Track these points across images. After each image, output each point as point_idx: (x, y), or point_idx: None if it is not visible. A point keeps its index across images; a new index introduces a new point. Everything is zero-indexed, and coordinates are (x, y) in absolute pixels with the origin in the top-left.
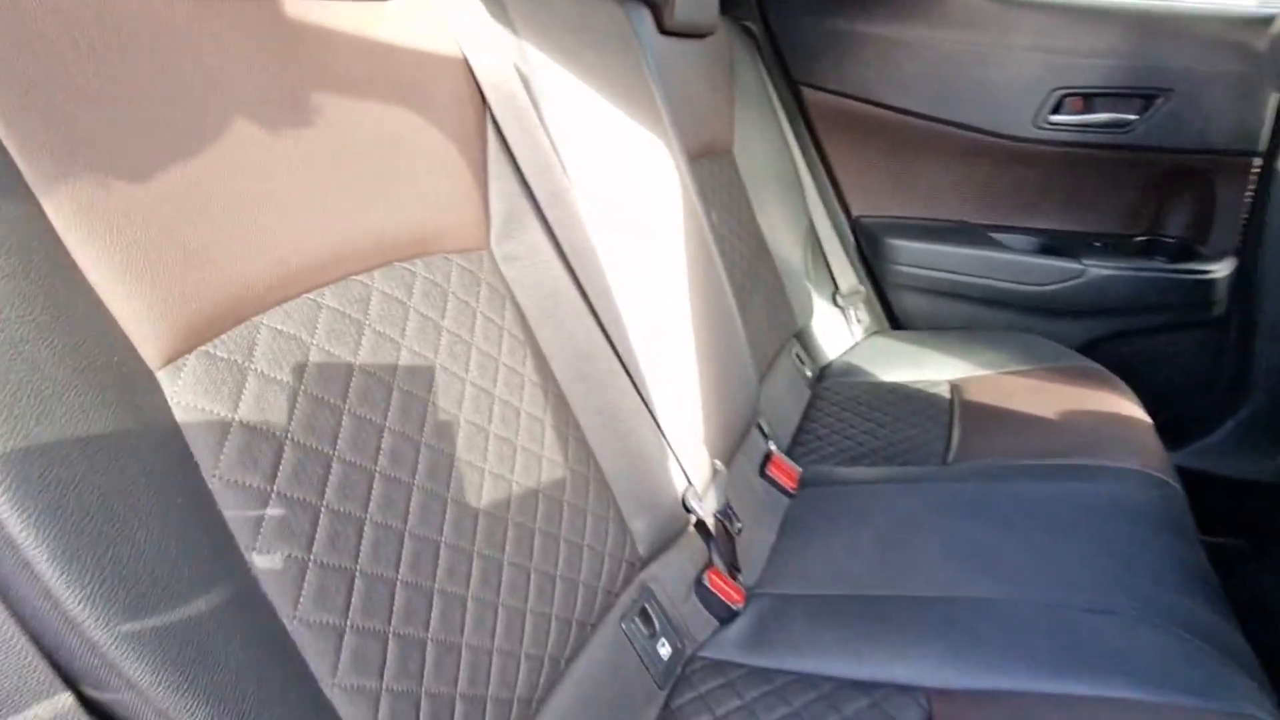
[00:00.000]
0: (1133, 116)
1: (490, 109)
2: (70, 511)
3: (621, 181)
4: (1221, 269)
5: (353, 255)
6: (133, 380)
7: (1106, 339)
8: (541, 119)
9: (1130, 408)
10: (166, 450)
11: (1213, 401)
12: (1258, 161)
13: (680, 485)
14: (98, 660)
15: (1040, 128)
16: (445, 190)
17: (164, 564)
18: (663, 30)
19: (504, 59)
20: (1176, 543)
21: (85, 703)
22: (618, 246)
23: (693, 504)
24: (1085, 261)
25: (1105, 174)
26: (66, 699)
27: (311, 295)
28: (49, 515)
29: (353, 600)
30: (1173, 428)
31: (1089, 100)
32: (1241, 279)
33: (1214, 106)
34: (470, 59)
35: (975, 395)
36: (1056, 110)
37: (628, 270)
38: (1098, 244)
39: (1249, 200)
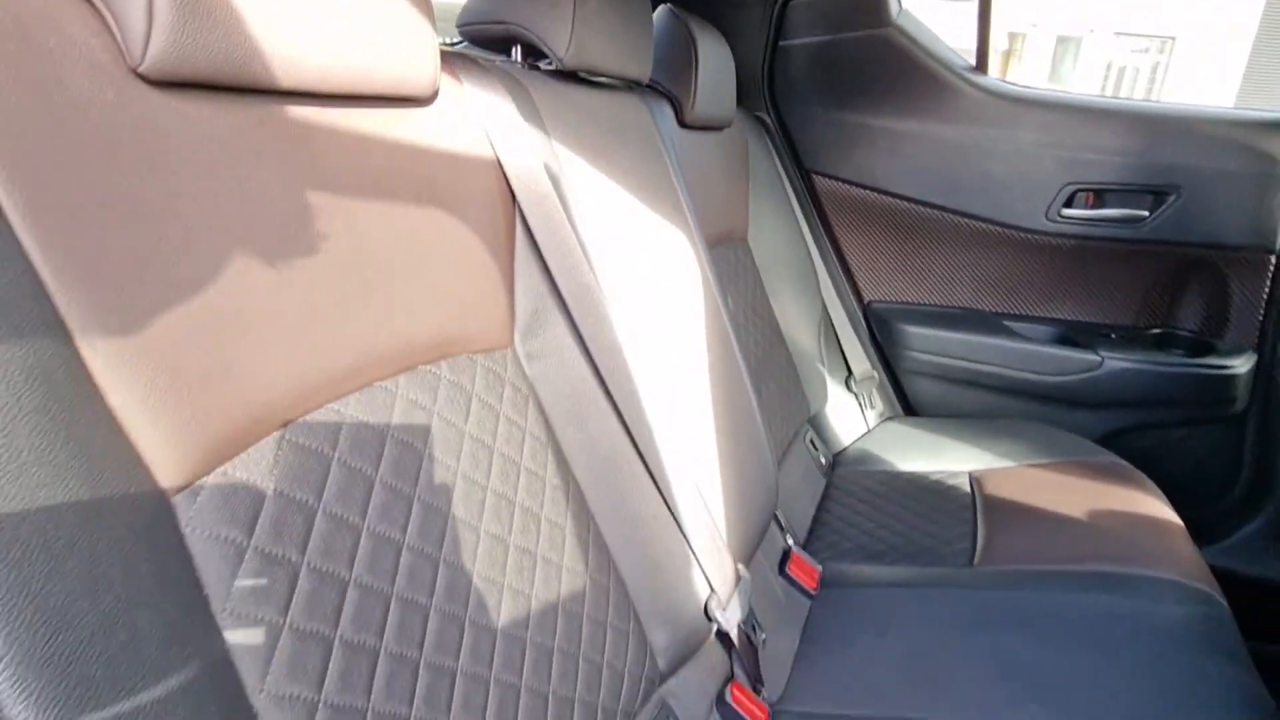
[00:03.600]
0: (1144, 212)
1: (520, 207)
2: (74, 684)
3: (646, 276)
4: (1240, 365)
5: (377, 361)
6: (146, 511)
7: (1125, 432)
8: (569, 216)
9: (1161, 509)
10: (178, 587)
11: (1236, 499)
12: (1274, 258)
13: (703, 593)
14: None
15: (1053, 221)
16: (471, 289)
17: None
18: (682, 124)
19: (534, 158)
20: (1226, 665)
21: None
22: (641, 342)
23: (715, 613)
24: (1102, 353)
25: (1119, 267)
26: None
27: (335, 405)
28: (52, 691)
29: None
30: (1194, 524)
31: (1100, 195)
32: (1260, 375)
33: (1226, 204)
34: (502, 158)
35: (997, 489)
36: (1069, 204)
37: (651, 366)
38: (1113, 336)
39: (1267, 295)
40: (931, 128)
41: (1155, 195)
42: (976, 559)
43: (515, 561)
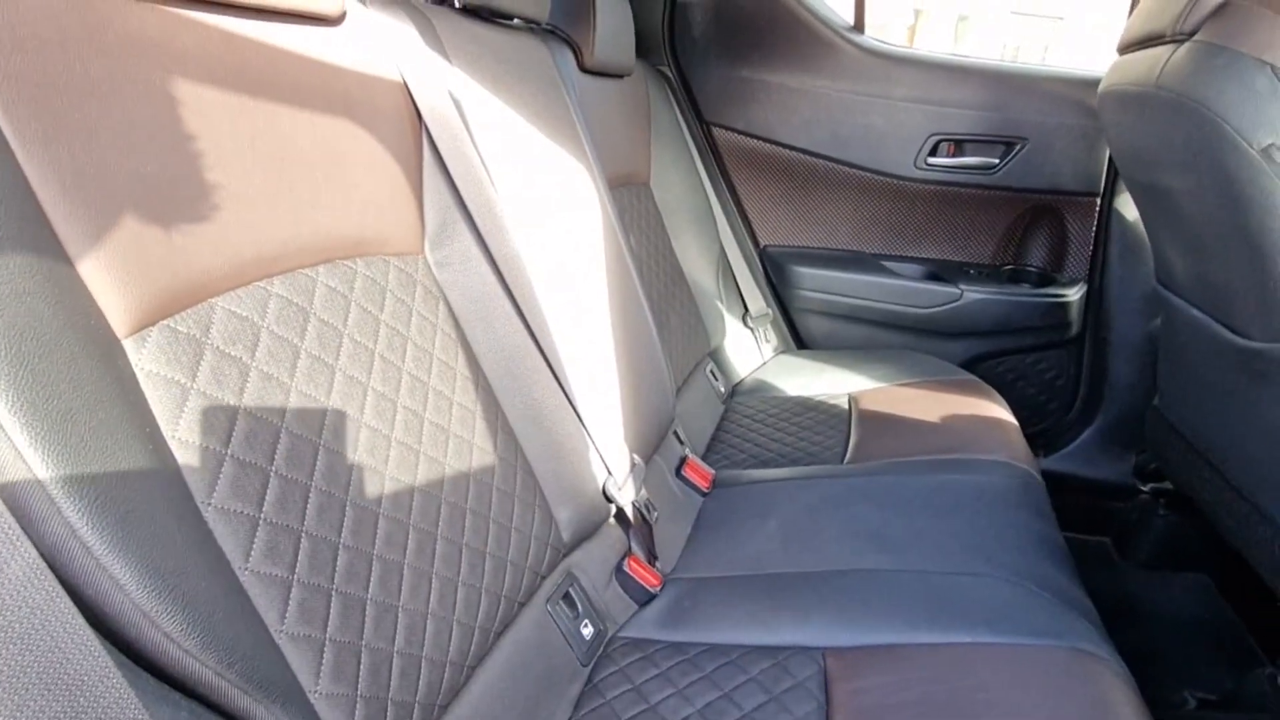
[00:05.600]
0: (996, 160)
1: (426, 127)
2: (69, 437)
3: (547, 199)
4: (1074, 294)
5: (300, 250)
6: (104, 342)
7: (984, 357)
8: (473, 139)
9: (1000, 412)
10: (135, 408)
11: (1075, 412)
12: (1099, 202)
13: (601, 476)
14: (92, 563)
15: (920, 169)
16: (384, 198)
17: (146, 494)
18: (583, 68)
19: (439, 84)
20: (1032, 519)
21: (82, 607)
22: (543, 257)
23: (613, 493)
24: (962, 287)
25: (976, 210)
26: (63, 601)
27: (262, 283)
28: (52, 438)
29: (299, 558)
30: (1043, 436)
31: (960, 145)
32: (1091, 303)
33: (1061, 154)
34: (408, 82)
35: (870, 405)
36: (934, 153)
37: (552, 280)
38: (972, 271)
39: (1094, 235)
40: (817, 83)
41: (1005, 145)
42: (848, 457)
43: (430, 434)
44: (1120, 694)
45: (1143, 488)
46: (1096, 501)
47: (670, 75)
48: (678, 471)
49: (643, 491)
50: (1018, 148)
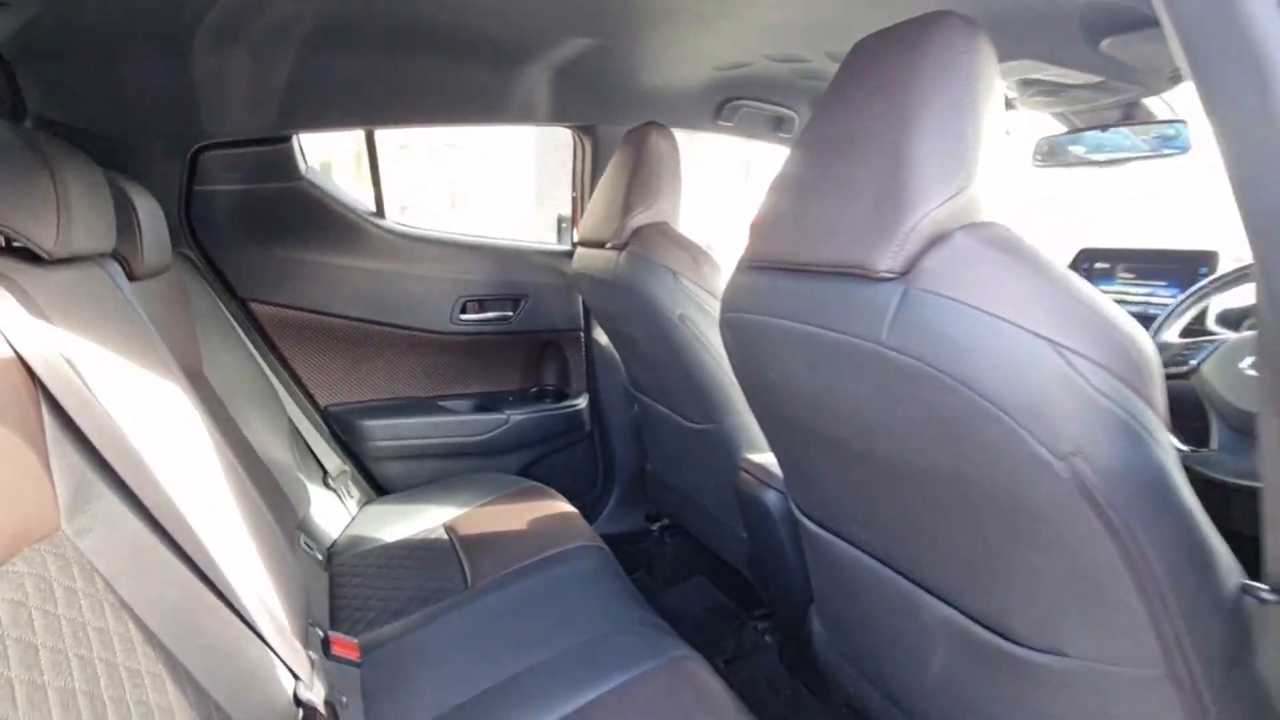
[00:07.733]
0: (510, 313)
1: (46, 393)
2: None
3: (169, 428)
4: (582, 402)
5: None
6: None
7: (534, 462)
8: (91, 390)
9: (561, 505)
10: None
11: (600, 489)
12: (583, 334)
13: (290, 684)
14: None
15: (455, 323)
16: (6, 484)
17: None
18: (132, 278)
19: (50, 346)
20: (615, 581)
21: None
22: (184, 484)
23: (306, 696)
24: (507, 412)
25: (503, 350)
26: None
27: None
28: None
29: None
30: (587, 511)
31: (482, 303)
32: (593, 406)
33: (552, 303)
34: (21, 352)
35: (467, 529)
36: (464, 311)
37: (198, 502)
38: (511, 398)
39: (585, 357)
40: (352, 261)
41: (514, 301)
42: (470, 582)
43: None
44: (704, 669)
45: (652, 527)
46: (630, 547)
47: (193, 257)
48: (327, 653)
49: (328, 683)
50: (523, 302)
